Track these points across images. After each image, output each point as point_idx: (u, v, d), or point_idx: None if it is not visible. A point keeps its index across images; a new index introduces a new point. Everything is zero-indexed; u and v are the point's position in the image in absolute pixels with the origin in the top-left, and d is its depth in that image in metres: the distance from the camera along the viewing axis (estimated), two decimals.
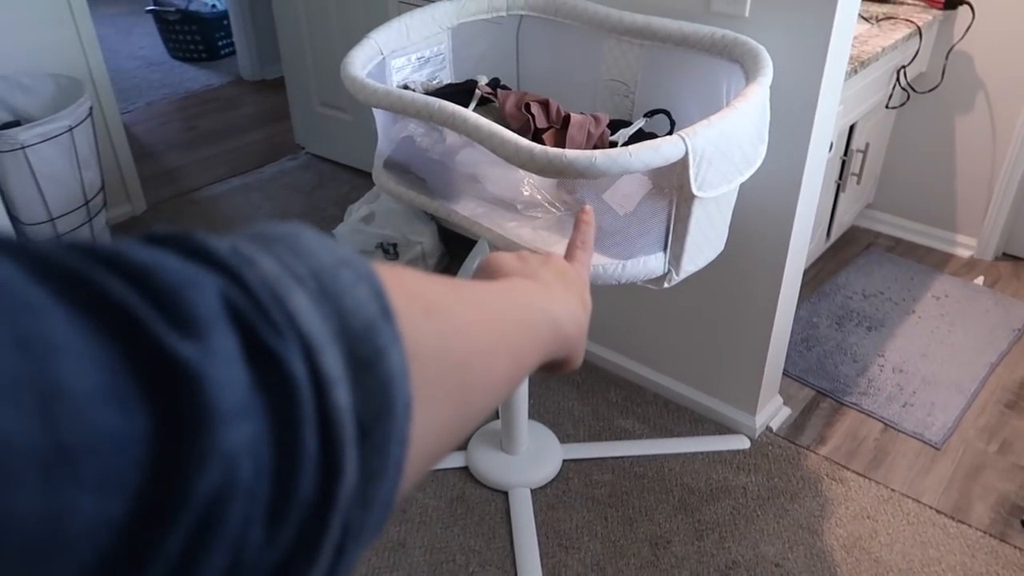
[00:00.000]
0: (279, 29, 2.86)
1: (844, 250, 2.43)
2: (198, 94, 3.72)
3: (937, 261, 2.39)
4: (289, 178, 2.89)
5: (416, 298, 0.28)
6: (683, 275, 1.25)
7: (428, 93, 1.56)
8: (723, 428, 1.78)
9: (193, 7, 4.00)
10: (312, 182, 2.86)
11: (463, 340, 0.29)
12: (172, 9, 3.97)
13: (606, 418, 1.81)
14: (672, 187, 1.16)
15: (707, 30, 1.37)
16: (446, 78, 1.67)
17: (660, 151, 1.07)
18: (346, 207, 2.53)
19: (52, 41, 2.25)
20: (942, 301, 2.20)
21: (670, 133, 1.42)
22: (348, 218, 2.29)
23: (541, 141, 1.36)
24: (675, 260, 1.24)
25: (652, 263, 1.23)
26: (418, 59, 1.59)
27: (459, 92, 1.52)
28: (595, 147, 1.36)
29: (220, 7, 4.04)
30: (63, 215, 2.00)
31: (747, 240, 1.58)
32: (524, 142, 1.11)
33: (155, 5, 4.02)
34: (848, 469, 1.67)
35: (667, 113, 1.42)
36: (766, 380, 1.73)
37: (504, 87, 1.58)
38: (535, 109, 1.38)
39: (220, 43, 4.10)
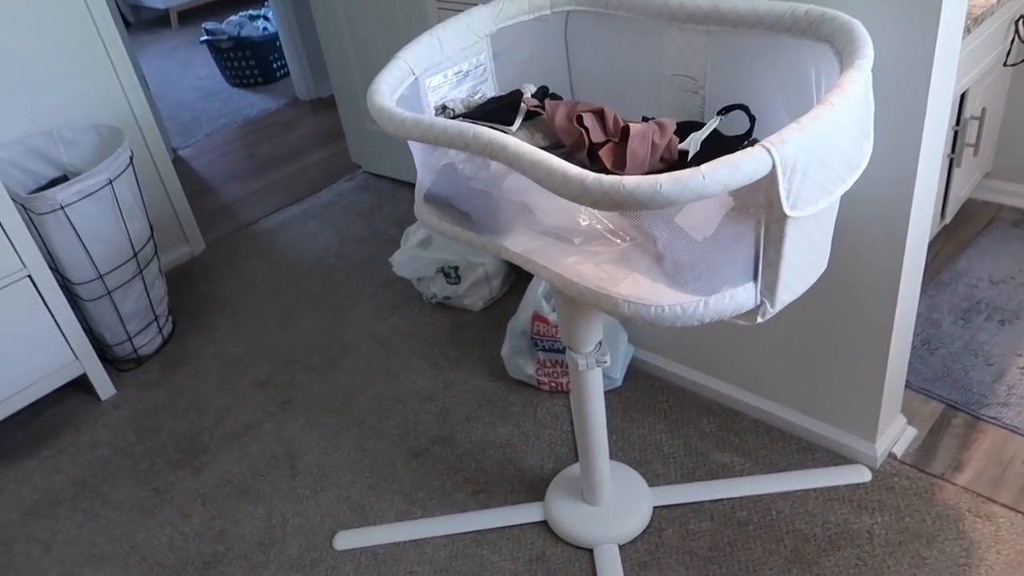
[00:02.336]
0: (325, 49, 2.75)
1: (963, 229, 2.13)
2: (256, 120, 3.68)
3: None
4: (347, 201, 2.78)
5: None
6: (779, 306, 1.04)
7: (469, 111, 1.40)
8: (838, 458, 1.55)
9: (245, 32, 3.96)
10: (370, 203, 2.75)
11: None
12: (224, 37, 3.94)
13: (700, 452, 1.60)
14: (759, 205, 0.96)
15: (786, 6, 1.15)
16: (489, 91, 1.50)
17: (741, 168, 0.87)
18: (404, 228, 2.40)
19: (94, 91, 2.19)
20: None
21: (750, 133, 1.20)
22: (405, 243, 2.15)
23: (598, 158, 1.18)
24: (768, 290, 1.03)
25: (741, 296, 1.02)
26: (456, 74, 1.43)
27: (504, 107, 1.34)
28: (661, 159, 1.16)
29: (271, 29, 3.99)
30: (112, 270, 1.93)
31: (854, 241, 1.35)
32: (573, 171, 0.93)
33: (208, 35, 4.00)
34: (995, 502, 1.42)
35: (745, 109, 1.21)
36: (886, 396, 1.49)
37: (554, 95, 1.40)
38: (588, 121, 1.20)
39: (275, 65, 4.05)
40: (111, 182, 1.87)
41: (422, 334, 2.05)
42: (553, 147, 1.30)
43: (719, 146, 1.20)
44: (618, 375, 1.78)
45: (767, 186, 0.92)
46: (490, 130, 1.05)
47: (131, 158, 1.97)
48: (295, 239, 2.59)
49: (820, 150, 0.91)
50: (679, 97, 1.35)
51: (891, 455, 1.54)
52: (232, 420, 1.87)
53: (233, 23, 4.02)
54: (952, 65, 1.18)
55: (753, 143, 1.21)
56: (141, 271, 2.01)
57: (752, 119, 1.21)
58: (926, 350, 1.76)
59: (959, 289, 1.93)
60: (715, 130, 1.20)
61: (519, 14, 1.44)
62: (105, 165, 1.86)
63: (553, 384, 1.78)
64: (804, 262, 1.04)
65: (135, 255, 1.98)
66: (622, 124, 1.18)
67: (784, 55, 1.18)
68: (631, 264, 1.06)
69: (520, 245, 1.19)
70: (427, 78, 1.38)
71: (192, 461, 1.77)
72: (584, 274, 1.09)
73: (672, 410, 1.71)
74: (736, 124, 1.23)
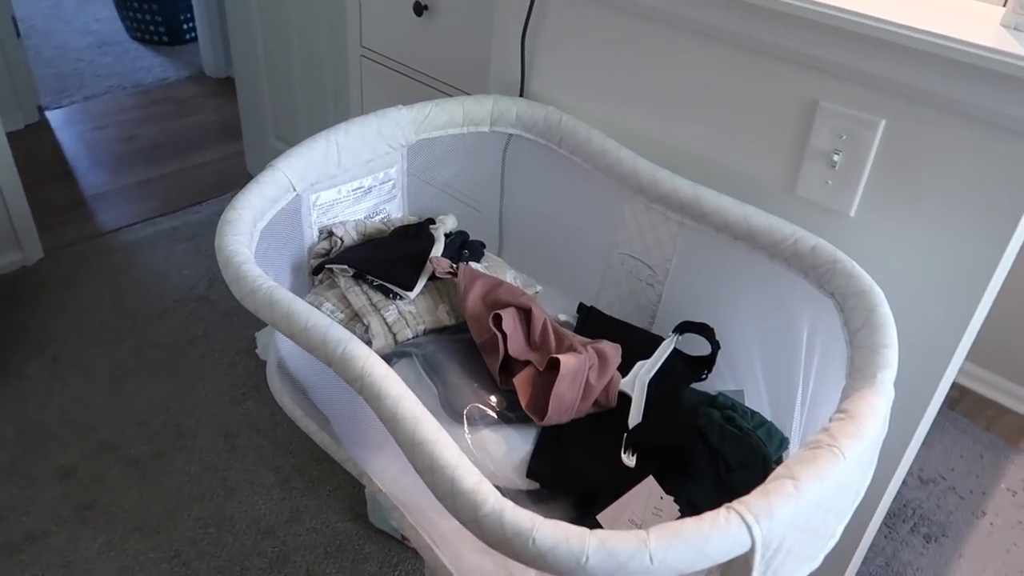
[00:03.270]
0: (232, 37, 2.34)
1: None
2: (149, 90, 3.19)
3: (1012, 429, 1.92)
4: None
5: None
6: None
7: (361, 245, 1.07)
8: None
9: None
10: None
11: None
12: None
13: None
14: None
15: (787, 231, 0.88)
16: (395, 211, 1.17)
17: (706, 551, 0.59)
18: None
19: None
20: (1019, 497, 1.74)
21: (710, 362, 0.93)
22: None
23: (510, 375, 0.88)
24: None
25: None
26: (355, 190, 1.09)
27: (406, 257, 1.02)
28: (595, 403, 0.87)
29: None
30: None
31: None
32: (466, 484, 0.62)
33: None
34: None
35: (709, 334, 0.93)
36: None
37: (474, 245, 1.08)
38: (509, 324, 0.89)
39: (184, 25, 3.54)
40: None
41: (279, 434, 1.71)
42: (458, 328, 0.99)
43: (668, 374, 0.92)
44: None
45: (738, 566, 0.64)
46: (367, 356, 0.73)
47: None
48: (156, 266, 2.18)
49: (816, 519, 0.64)
50: (630, 284, 1.06)
51: None
52: (13, 523, 1.48)
53: None
54: (974, 330, 0.94)
55: (709, 371, 0.94)
56: None
57: (715, 346, 0.94)
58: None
59: None
60: (668, 362, 0.92)
61: (448, 125, 1.11)
62: None
63: None
64: None
65: None
66: (552, 342, 0.88)
67: (772, 286, 0.91)
68: (527, 571, 0.77)
69: (388, 480, 0.88)
70: (314, 193, 1.04)
71: None
72: (464, 562, 0.79)
73: None
74: (693, 338, 0.95)
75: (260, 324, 2.01)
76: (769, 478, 0.63)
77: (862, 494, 0.68)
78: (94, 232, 2.29)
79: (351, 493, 1.59)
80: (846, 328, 0.80)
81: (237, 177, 2.61)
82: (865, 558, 1.57)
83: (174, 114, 3.01)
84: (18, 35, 2.71)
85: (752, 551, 0.60)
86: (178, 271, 2.16)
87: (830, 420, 0.69)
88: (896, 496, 1.70)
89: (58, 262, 2.16)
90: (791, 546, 0.63)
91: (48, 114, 2.92)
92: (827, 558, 0.70)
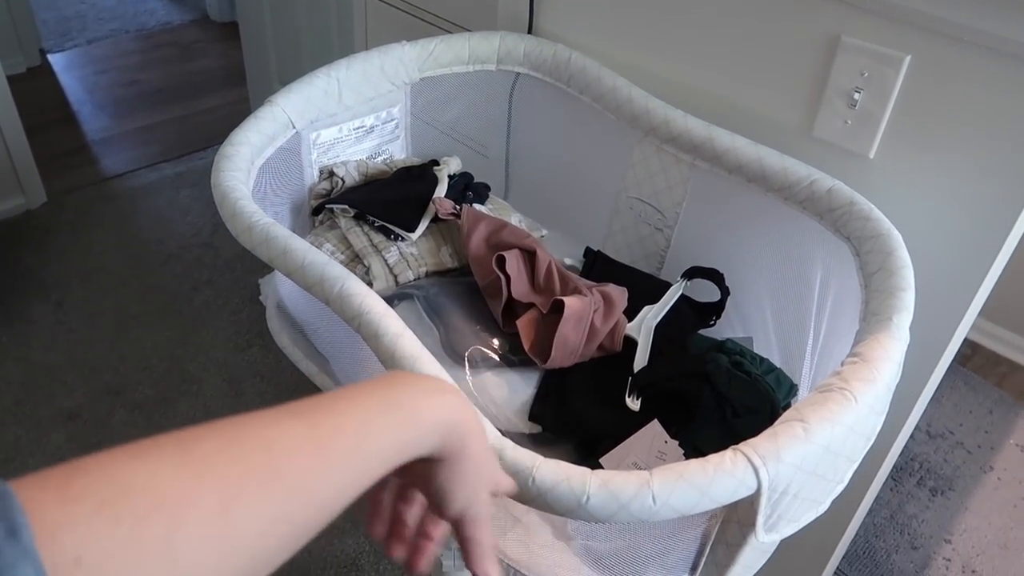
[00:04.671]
0: None
1: None
2: (152, 34, 3.13)
3: (1023, 385, 1.90)
4: None
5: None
6: None
7: (363, 186, 1.05)
8: None
9: None
10: None
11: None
12: None
13: None
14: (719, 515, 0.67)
15: (803, 172, 0.84)
16: (398, 152, 1.14)
17: (711, 493, 0.57)
18: None
19: None
20: None
21: (719, 308, 0.90)
22: None
23: (513, 319, 0.86)
24: None
25: None
26: (356, 129, 1.06)
27: (408, 197, 0.99)
28: (600, 347, 0.85)
29: None
30: None
31: None
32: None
33: None
34: None
35: (719, 279, 0.91)
36: None
37: (478, 188, 1.06)
38: (512, 265, 0.87)
39: None
40: None
41: (284, 380, 1.71)
42: (461, 271, 0.97)
43: (675, 320, 0.90)
44: None
45: (743, 507, 0.62)
46: (365, 293, 0.71)
47: None
48: (159, 211, 2.16)
49: (825, 463, 0.63)
50: (638, 228, 1.04)
51: None
52: (18, 464, 1.49)
53: None
54: (991, 283, 0.91)
55: (717, 318, 0.92)
56: None
57: (724, 292, 0.91)
58: None
59: None
60: (675, 307, 0.90)
61: (454, 63, 1.08)
62: None
63: None
64: (760, 557, 0.76)
65: None
66: (557, 285, 0.86)
67: (785, 230, 0.88)
68: (527, 513, 0.76)
69: None
70: (315, 131, 1.01)
71: None
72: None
73: None
74: (704, 290, 0.93)
75: (264, 271, 1.99)
76: (778, 421, 0.61)
77: (872, 439, 0.66)
78: (97, 177, 2.27)
79: None
80: (861, 272, 0.77)
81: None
82: (870, 510, 1.56)
83: (177, 58, 2.96)
84: None
85: (758, 493, 0.59)
86: (182, 217, 2.14)
87: (842, 364, 0.67)
88: (903, 450, 1.69)
89: (61, 207, 2.14)
90: (798, 489, 0.62)
91: (50, 57, 2.88)
92: (832, 507, 0.68)
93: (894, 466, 1.65)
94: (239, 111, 2.64)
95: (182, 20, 3.25)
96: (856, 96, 0.82)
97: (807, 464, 0.60)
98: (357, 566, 1.38)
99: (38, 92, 2.65)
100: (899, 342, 0.67)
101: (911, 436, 1.73)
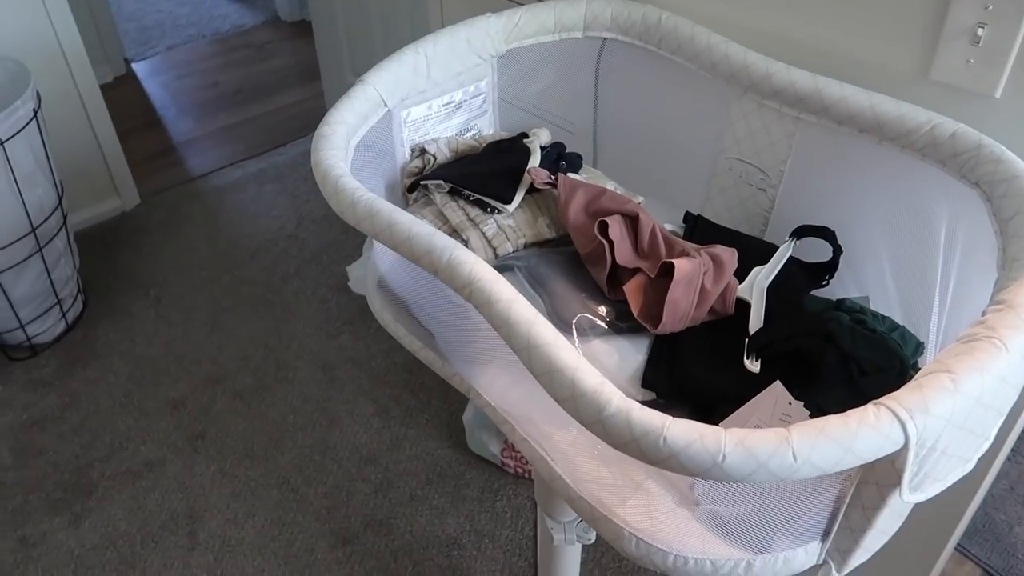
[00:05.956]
0: None
1: None
2: (227, 37, 3.21)
3: None
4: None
5: None
6: (847, 570, 0.74)
7: (455, 162, 1.04)
8: None
9: None
10: None
11: None
12: None
13: None
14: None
15: (922, 117, 0.80)
16: (486, 127, 1.13)
17: (855, 449, 0.54)
18: None
19: (8, 10, 1.77)
20: None
21: (832, 268, 0.87)
22: (368, 250, 1.80)
23: (619, 285, 0.84)
24: (839, 553, 0.72)
25: (800, 558, 0.71)
26: (445, 105, 1.06)
27: (502, 170, 0.99)
28: (711, 311, 0.82)
29: None
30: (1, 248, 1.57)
31: None
32: (588, 383, 0.59)
33: None
34: None
35: (831, 237, 0.87)
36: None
37: (571, 157, 1.04)
38: (615, 231, 0.85)
39: None
40: (2, 144, 1.48)
41: (375, 366, 1.73)
42: (560, 242, 0.95)
43: (786, 281, 0.87)
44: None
45: (887, 464, 0.59)
46: (474, 261, 0.70)
47: (36, 110, 1.58)
48: (245, 207, 2.22)
49: (976, 416, 0.59)
50: (739, 190, 1.00)
51: None
52: (131, 452, 1.55)
53: None
54: None
55: (831, 277, 0.88)
56: (41, 249, 1.65)
57: (837, 250, 0.87)
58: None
59: None
60: (786, 267, 0.87)
61: (539, 32, 1.06)
62: None
63: (520, 469, 1.48)
64: (896, 518, 0.72)
65: (33, 230, 1.61)
66: (663, 249, 0.84)
67: (903, 181, 0.84)
68: (648, 479, 0.74)
69: (496, 393, 0.86)
70: (405, 109, 1.01)
71: (73, 505, 1.46)
72: (581, 472, 0.77)
73: None
74: (811, 244, 0.89)
75: (350, 260, 2.02)
76: (920, 373, 0.58)
77: (1021, 388, 0.62)
78: (185, 177, 2.34)
79: (448, 422, 1.60)
80: (995, 218, 0.72)
81: (318, 118, 2.61)
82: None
83: (253, 59, 3.03)
84: None
85: (905, 449, 0.56)
86: (267, 212, 2.19)
87: (983, 313, 0.63)
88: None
89: (153, 207, 2.22)
90: (946, 445, 0.58)
91: (134, 66, 2.99)
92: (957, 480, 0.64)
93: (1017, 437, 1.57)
94: (314, 106, 2.69)
95: (255, 22, 3.32)
96: (980, 32, 0.77)
97: (957, 417, 0.57)
98: (459, 545, 1.39)
99: (125, 99, 2.75)
100: None
101: None
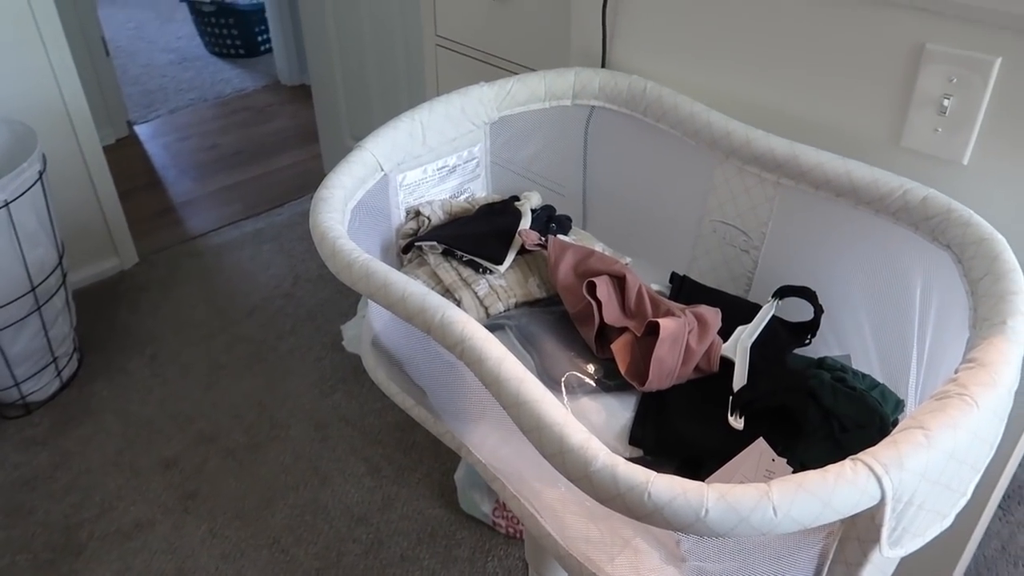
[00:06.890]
0: (305, 32, 2.39)
1: None
2: (228, 101, 3.30)
3: None
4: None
5: None
6: None
7: (448, 223, 1.08)
8: None
9: None
10: None
11: None
12: (207, 0, 3.54)
13: None
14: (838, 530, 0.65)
15: (895, 183, 0.83)
16: (479, 190, 1.17)
17: (832, 504, 0.56)
18: None
19: (13, 72, 1.83)
20: None
21: (813, 327, 0.89)
22: (362, 309, 1.82)
23: (607, 344, 0.86)
24: None
25: None
26: (439, 169, 1.10)
27: (493, 232, 1.02)
28: (696, 369, 0.84)
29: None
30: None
31: None
32: (575, 440, 0.61)
33: None
34: None
35: (812, 297, 0.90)
36: None
37: (560, 220, 1.07)
38: (603, 291, 0.88)
39: (259, 38, 3.66)
40: (7, 204, 1.52)
41: (367, 425, 1.73)
42: (550, 301, 0.98)
43: (770, 340, 0.89)
44: None
45: (865, 520, 0.61)
46: (466, 320, 0.73)
47: (41, 172, 1.62)
48: (242, 266, 2.25)
49: (950, 471, 0.61)
50: (723, 251, 1.03)
51: None
52: (121, 512, 1.54)
53: None
54: None
55: (813, 336, 0.90)
56: (39, 307, 1.67)
57: (818, 310, 0.90)
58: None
59: None
60: (769, 326, 0.89)
61: (530, 100, 1.11)
62: (2, 184, 1.50)
63: (511, 529, 1.48)
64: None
65: (33, 289, 1.63)
66: (649, 308, 0.86)
67: (879, 243, 0.87)
68: (635, 536, 0.75)
69: (487, 450, 0.87)
70: (400, 173, 1.05)
71: (61, 567, 1.45)
72: (570, 529, 0.78)
73: None
74: (793, 303, 0.92)
75: (344, 318, 2.04)
76: (895, 430, 0.60)
77: (995, 446, 0.64)
78: (184, 236, 2.38)
79: (440, 481, 1.60)
80: (966, 279, 0.75)
81: (315, 179, 2.67)
82: (979, 542, 1.48)
83: (252, 121, 3.10)
84: (107, 54, 2.85)
85: (882, 503, 0.57)
86: (264, 270, 2.22)
87: (956, 371, 0.65)
88: (1012, 478, 1.61)
89: (152, 265, 2.25)
90: (923, 500, 0.60)
91: (136, 128, 3.06)
92: (941, 539, 0.65)
93: (1005, 490, 1.57)
94: (312, 168, 2.75)
95: (255, 86, 3.41)
96: (946, 103, 0.81)
97: (931, 472, 0.58)
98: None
99: (127, 160, 2.81)
100: (1017, 345, 0.65)
101: (1021, 463, 1.64)
